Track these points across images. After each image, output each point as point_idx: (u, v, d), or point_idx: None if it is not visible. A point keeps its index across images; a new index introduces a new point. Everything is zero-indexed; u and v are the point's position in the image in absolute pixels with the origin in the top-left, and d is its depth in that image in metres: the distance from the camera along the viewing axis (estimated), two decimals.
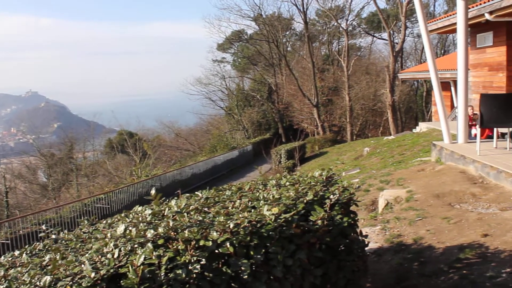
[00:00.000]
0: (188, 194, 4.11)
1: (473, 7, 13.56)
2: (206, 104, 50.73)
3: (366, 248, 5.58)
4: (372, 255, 5.45)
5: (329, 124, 41.34)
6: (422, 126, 19.04)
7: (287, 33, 49.94)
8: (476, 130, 8.92)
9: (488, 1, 12.84)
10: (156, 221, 3.02)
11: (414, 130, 20.54)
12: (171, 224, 2.75)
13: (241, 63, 52.26)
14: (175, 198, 3.77)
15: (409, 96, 43.76)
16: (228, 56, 53.56)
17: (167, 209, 3.22)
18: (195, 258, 2.48)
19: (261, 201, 3.22)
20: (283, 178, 4.12)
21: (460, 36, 9.52)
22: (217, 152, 34.91)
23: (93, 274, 2.23)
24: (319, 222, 3.02)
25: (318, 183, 3.54)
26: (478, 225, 5.57)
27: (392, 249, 5.53)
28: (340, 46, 47.93)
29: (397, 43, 39.38)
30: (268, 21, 44.92)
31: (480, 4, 13.42)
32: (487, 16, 12.66)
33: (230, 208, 3.24)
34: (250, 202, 3.29)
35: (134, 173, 27.99)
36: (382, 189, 8.32)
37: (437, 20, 17.11)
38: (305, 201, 3.13)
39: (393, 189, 8.07)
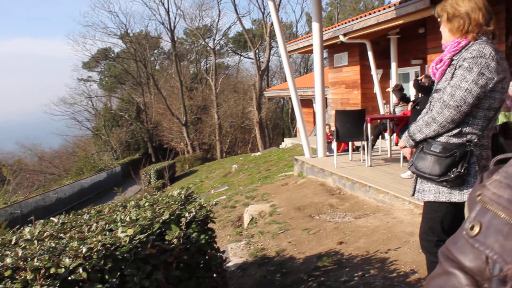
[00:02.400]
0: (43, 221, 3.92)
1: (329, 29, 14.49)
2: (72, 125, 48.67)
3: (230, 264, 5.68)
4: (237, 270, 5.54)
5: (198, 143, 41.53)
6: (287, 142, 19.80)
7: (155, 51, 49.60)
8: (334, 146, 9.47)
9: (342, 24, 13.80)
10: (5, 251, 2.85)
11: (280, 146, 21.29)
12: (20, 253, 2.60)
13: (108, 82, 50.85)
14: (29, 225, 3.58)
15: (276, 113, 45.31)
16: (94, 74, 51.94)
17: (17, 238, 3.04)
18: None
19: (118, 223, 3.17)
20: (143, 198, 4.08)
21: (316, 56, 10.09)
22: (84, 174, 33.56)
23: None
24: (175, 241, 3.03)
25: (176, 202, 3.56)
26: (335, 234, 5.90)
27: (256, 262, 5.66)
28: (208, 65, 48.55)
29: (263, 62, 40.74)
30: (135, 39, 44.35)
31: (336, 26, 14.38)
32: (342, 38, 13.61)
33: (86, 232, 3.14)
34: (107, 225, 3.22)
35: None
36: (248, 204, 8.51)
37: (298, 40, 18.03)
38: (161, 220, 3.13)
39: (258, 204, 8.29)
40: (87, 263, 2.59)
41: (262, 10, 40.22)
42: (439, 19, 2.78)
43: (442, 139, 2.70)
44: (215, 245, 3.53)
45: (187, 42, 49.67)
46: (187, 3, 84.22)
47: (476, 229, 0.50)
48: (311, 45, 10.68)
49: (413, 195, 2.90)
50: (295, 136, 29.76)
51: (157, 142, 44.29)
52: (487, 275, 0.48)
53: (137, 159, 38.20)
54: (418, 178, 2.83)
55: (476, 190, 0.53)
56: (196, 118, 42.71)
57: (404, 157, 8.71)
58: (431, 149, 2.71)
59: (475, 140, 2.63)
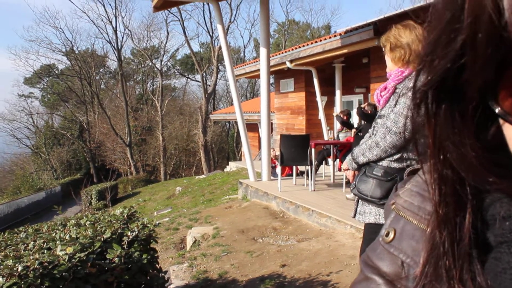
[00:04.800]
0: None
1: (277, 55, 14.72)
2: (10, 142, 46.96)
3: (172, 286, 5.59)
4: None
5: (142, 164, 40.94)
6: (232, 166, 19.81)
7: (101, 70, 48.84)
8: (278, 170, 9.56)
9: (289, 51, 14.05)
10: None
11: (225, 170, 21.26)
12: None
13: (50, 99, 49.52)
14: None
15: (221, 136, 45.35)
16: (36, 91, 50.44)
17: None
18: None
19: (57, 242, 3.08)
20: (84, 217, 3.99)
21: (263, 81, 10.23)
22: (21, 194, 32.35)
23: None
24: (116, 260, 2.96)
25: (118, 221, 3.49)
26: (278, 257, 5.93)
27: (198, 285, 5.60)
28: (154, 86, 48.20)
29: (209, 85, 40.84)
30: (81, 57, 43.55)
31: (283, 52, 14.63)
32: (288, 64, 13.84)
33: (22, 250, 3.03)
34: (45, 244, 3.12)
35: None
36: (191, 227, 8.43)
37: (245, 65, 18.19)
38: (102, 239, 3.06)
39: (202, 226, 8.23)
40: (22, 282, 2.50)
41: (211, 33, 40.47)
42: (383, 49, 2.89)
43: (384, 163, 2.79)
44: (157, 265, 3.48)
45: (134, 62, 49.24)
46: (136, 23, 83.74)
47: (391, 236, 0.53)
48: (258, 70, 10.83)
49: (354, 216, 2.96)
50: (240, 160, 29.85)
51: (99, 163, 43.30)
52: (403, 278, 0.50)
53: (78, 179, 37.17)
54: (360, 200, 2.89)
55: (391, 199, 0.56)
56: (140, 139, 42.15)
57: (347, 182, 8.88)
58: (373, 172, 2.79)
59: (415, 166, 2.72)
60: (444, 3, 0.32)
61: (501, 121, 0.33)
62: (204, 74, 42.01)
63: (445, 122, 0.37)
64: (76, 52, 43.57)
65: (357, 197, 2.91)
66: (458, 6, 0.30)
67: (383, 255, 0.54)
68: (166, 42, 46.71)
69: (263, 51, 10.13)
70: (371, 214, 2.82)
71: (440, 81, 0.34)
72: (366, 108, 8.70)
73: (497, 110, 0.31)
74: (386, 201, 0.59)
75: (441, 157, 0.38)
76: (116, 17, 50.26)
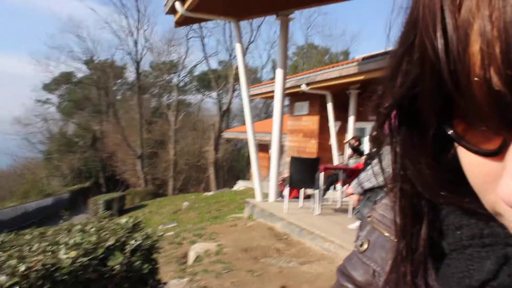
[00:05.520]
0: None
1: (293, 77, 14.83)
2: (24, 146, 47.38)
3: None
4: None
5: (152, 177, 41.05)
6: (240, 185, 19.85)
7: (119, 81, 49.31)
8: (286, 191, 9.57)
9: (306, 74, 14.15)
10: None
11: (233, 188, 21.29)
12: None
13: (67, 106, 49.97)
14: None
15: (233, 155, 45.39)
16: (53, 97, 50.91)
17: None
18: None
19: (61, 245, 3.12)
20: (89, 223, 4.04)
21: (277, 102, 10.30)
22: (30, 198, 32.53)
23: None
24: (118, 267, 3.01)
25: (123, 229, 3.54)
26: (279, 278, 5.93)
27: None
28: (170, 100, 48.53)
29: (225, 103, 41.07)
30: (100, 66, 44.06)
31: (299, 75, 14.73)
32: (304, 87, 13.92)
33: (27, 252, 3.08)
34: (50, 246, 3.17)
35: None
36: (195, 242, 8.45)
37: (261, 85, 18.33)
38: (105, 246, 3.11)
39: (205, 242, 8.25)
40: (24, 282, 2.54)
41: (230, 52, 40.85)
42: None
43: None
44: (157, 276, 3.51)
45: (152, 75, 49.70)
46: (157, 37, 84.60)
47: (365, 246, 0.57)
48: (274, 91, 10.92)
49: (357, 241, 2.98)
50: (249, 179, 29.86)
51: (109, 173, 43.49)
52: (373, 286, 0.55)
53: (87, 187, 37.31)
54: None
55: (368, 212, 0.61)
56: (152, 152, 42.34)
57: (353, 209, 8.87)
58: (378, 198, 2.83)
59: None
60: (401, 38, 0.36)
61: (455, 144, 0.37)
62: (220, 91, 42.30)
63: (404, 142, 0.41)
64: (96, 61, 44.10)
65: (360, 222, 2.94)
66: (410, 43, 0.34)
67: (357, 264, 0.58)
68: (185, 58, 47.04)
69: (279, 72, 10.23)
70: None
71: (399, 106, 0.39)
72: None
73: (450, 133, 0.35)
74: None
75: (401, 173, 0.43)
76: (138, 29, 50.92)
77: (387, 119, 0.42)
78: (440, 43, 0.30)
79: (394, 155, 0.43)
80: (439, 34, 0.30)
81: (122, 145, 40.95)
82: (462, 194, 0.39)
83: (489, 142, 0.32)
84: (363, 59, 10.80)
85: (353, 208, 8.65)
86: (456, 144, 0.37)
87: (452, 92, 0.31)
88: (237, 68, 35.09)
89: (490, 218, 0.37)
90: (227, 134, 29.60)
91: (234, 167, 46.44)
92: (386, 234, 0.55)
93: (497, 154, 0.32)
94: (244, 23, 10.80)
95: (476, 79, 0.29)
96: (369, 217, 0.60)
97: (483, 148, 0.33)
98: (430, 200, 0.43)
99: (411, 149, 0.41)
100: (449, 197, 0.40)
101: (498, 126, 0.30)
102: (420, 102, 0.36)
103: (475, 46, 0.28)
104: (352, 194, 3.03)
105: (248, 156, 41.31)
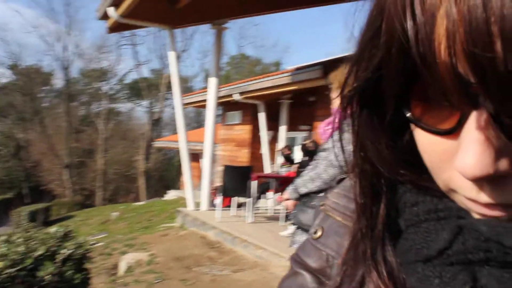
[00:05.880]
0: None
1: (225, 86, 14.88)
2: None
3: None
4: None
5: (79, 187, 39.82)
6: (172, 194, 19.67)
7: (46, 88, 47.62)
8: (218, 200, 9.57)
9: (239, 83, 14.25)
10: None
11: (164, 198, 21.02)
12: None
13: None
14: None
15: (163, 164, 44.84)
16: None
17: None
18: None
19: None
20: (15, 234, 3.88)
21: (210, 111, 10.31)
22: None
23: None
24: (48, 277, 2.91)
25: (53, 239, 3.43)
26: (211, 286, 5.92)
27: None
28: (100, 109, 47.35)
29: (156, 112, 40.59)
30: (26, 72, 42.40)
31: (232, 85, 14.81)
32: (237, 97, 14.00)
33: None
34: None
35: None
36: (125, 253, 8.28)
37: (194, 94, 18.27)
38: (34, 256, 3.00)
39: (136, 252, 8.10)
40: None
41: (162, 60, 40.46)
42: (330, 86, 3.02)
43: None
44: (89, 286, 3.43)
45: (81, 83, 48.34)
46: (86, 43, 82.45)
47: (319, 233, 0.60)
48: (206, 100, 10.92)
49: (292, 246, 3.03)
50: (180, 189, 29.61)
51: (34, 183, 41.79)
52: (328, 272, 0.58)
53: (8, 198, 35.67)
54: (298, 230, 2.98)
55: (321, 201, 0.64)
56: (80, 161, 41.09)
57: (285, 216, 9.00)
58: (313, 203, 2.89)
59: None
60: (367, 24, 0.40)
61: (412, 126, 0.41)
62: (152, 100, 41.80)
63: (365, 124, 0.45)
64: (21, 66, 42.45)
65: (295, 227, 2.99)
66: (376, 27, 0.38)
67: (310, 251, 0.61)
68: (115, 65, 46.22)
69: (212, 81, 10.25)
70: None
71: (363, 89, 0.42)
72: (309, 144, 8.91)
73: (408, 115, 0.39)
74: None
75: (362, 154, 0.46)
76: (67, 35, 49.48)
77: (350, 102, 0.45)
78: (409, 25, 0.33)
79: (355, 137, 0.47)
80: (408, 17, 0.33)
81: (48, 154, 39.50)
82: (418, 173, 0.43)
83: (445, 122, 0.36)
84: (296, 69, 11.02)
85: (287, 215, 8.78)
86: (412, 126, 0.41)
87: (420, 69, 0.34)
88: (169, 76, 34.83)
89: (443, 195, 0.41)
90: (158, 143, 29.28)
91: (164, 176, 45.85)
92: (340, 219, 0.58)
93: (452, 132, 0.36)
94: (177, 32, 10.82)
95: (442, 57, 0.32)
96: (322, 205, 0.63)
97: (439, 128, 0.37)
98: (388, 180, 0.46)
99: (371, 131, 0.45)
100: (407, 175, 0.44)
101: (460, 101, 0.33)
102: (384, 85, 0.40)
103: (441, 28, 0.32)
104: (288, 199, 3.08)
105: (179, 166, 40.94)
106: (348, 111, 0.46)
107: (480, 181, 0.35)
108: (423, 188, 0.44)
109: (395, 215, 0.46)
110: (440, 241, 0.39)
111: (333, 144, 2.90)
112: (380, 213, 0.46)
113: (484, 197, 0.36)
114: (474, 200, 0.37)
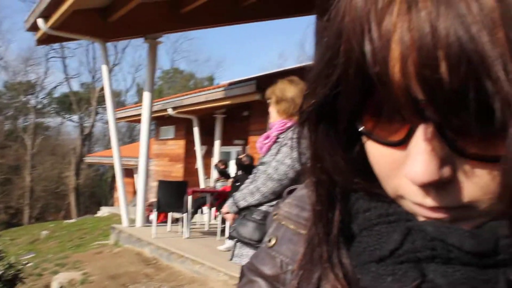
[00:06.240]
0: None
1: (159, 101, 14.76)
2: None
3: None
4: None
5: (5, 206, 38.07)
6: (104, 211, 19.20)
7: None
8: (153, 216, 9.45)
9: (173, 98, 14.17)
10: None
11: (96, 215, 20.49)
12: None
13: None
14: None
15: (95, 180, 43.69)
16: None
17: None
18: None
19: None
20: None
21: (144, 126, 10.19)
22: None
23: None
24: None
25: None
26: None
27: None
28: (27, 123, 45.60)
29: (86, 127, 39.58)
30: None
31: (166, 99, 14.71)
32: (171, 111, 13.91)
33: None
34: None
35: None
36: (57, 272, 8.01)
37: (127, 108, 18.01)
38: None
39: (69, 272, 7.86)
40: None
41: (93, 74, 39.61)
42: (268, 101, 3.08)
43: (263, 208, 2.94)
44: None
45: (6, 96, 46.42)
46: (12, 55, 79.45)
47: (273, 241, 0.64)
48: (140, 114, 10.79)
49: (232, 259, 3.05)
50: (113, 205, 28.94)
51: None
52: (283, 279, 0.61)
53: None
54: (238, 243, 3.00)
55: (273, 211, 0.68)
56: (5, 178, 39.34)
57: (222, 231, 9.00)
58: (253, 216, 2.93)
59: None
60: (326, 45, 0.44)
61: (364, 138, 0.45)
62: (82, 115, 40.77)
63: (322, 137, 0.49)
64: None
65: (235, 240, 3.01)
66: (335, 48, 0.42)
67: (265, 259, 0.64)
68: (44, 78, 44.67)
69: (146, 95, 10.15)
70: (249, 256, 2.92)
71: (321, 104, 0.46)
72: (244, 159, 8.98)
73: (360, 129, 0.44)
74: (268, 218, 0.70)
75: (318, 165, 0.50)
76: None
77: (309, 117, 0.49)
78: (368, 49, 0.38)
79: (312, 149, 0.50)
80: (367, 42, 0.38)
81: None
82: (370, 181, 0.48)
83: (395, 134, 0.41)
84: (229, 84, 11.10)
85: (223, 230, 8.78)
86: (364, 138, 0.46)
87: (376, 87, 0.39)
88: (100, 90, 34.18)
89: (392, 201, 0.46)
90: (89, 159, 28.55)
91: (96, 192, 44.65)
92: (294, 228, 0.61)
93: (401, 144, 0.40)
94: (109, 45, 10.66)
95: (396, 78, 0.37)
96: (275, 215, 0.66)
97: (390, 140, 0.41)
98: (342, 188, 0.50)
99: (327, 144, 0.49)
100: (360, 183, 0.49)
101: (411, 114, 0.38)
102: (340, 101, 0.44)
103: (396, 52, 0.36)
104: (228, 213, 3.10)
105: (112, 181, 40.14)
106: (306, 126, 0.50)
107: (427, 187, 0.39)
108: (375, 195, 0.48)
109: (348, 220, 0.50)
110: (391, 242, 0.43)
111: (272, 157, 2.95)
112: (336, 219, 0.50)
113: (429, 201, 0.40)
114: (421, 204, 0.41)
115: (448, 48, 0.33)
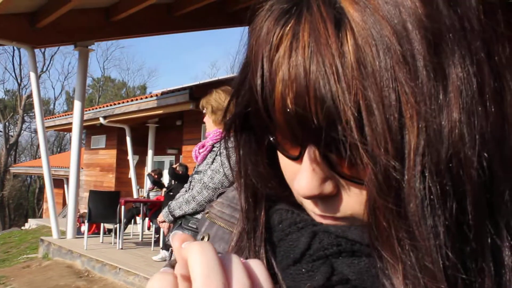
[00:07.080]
0: None
1: (90, 109, 14.43)
2: None
3: None
4: None
5: None
6: (32, 223, 18.49)
7: None
8: (85, 227, 9.23)
9: (104, 107, 13.91)
10: None
11: (23, 227, 19.71)
12: None
13: None
14: None
15: (21, 192, 41.99)
16: None
17: None
18: None
19: None
20: None
21: (75, 135, 9.96)
22: None
23: None
24: None
25: None
26: None
27: None
28: None
29: (12, 136, 38.04)
30: None
31: (97, 108, 14.41)
32: (102, 120, 13.63)
33: None
34: None
35: None
36: None
37: (56, 117, 17.47)
38: None
39: None
40: None
41: (19, 81, 38.17)
42: (204, 111, 3.12)
43: (199, 216, 2.96)
44: None
45: None
46: None
47: (205, 239, 0.69)
48: (70, 123, 10.54)
49: None
50: (41, 217, 27.92)
51: None
52: None
53: None
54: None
55: (206, 210, 0.73)
56: None
57: (156, 241, 8.91)
58: (189, 225, 2.95)
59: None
60: (241, 69, 0.51)
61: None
62: (7, 123, 39.14)
63: (244, 145, 0.55)
64: None
65: (171, 249, 3.02)
66: (245, 76, 0.49)
67: None
68: None
69: (77, 104, 9.92)
70: None
71: (241, 115, 0.53)
72: (177, 168, 8.95)
73: (271, 139, 0.50)
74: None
75: (243, 169, 0.56)
76: None
77: (232, 127, 0.55)
78: (258, 83, 0.44)
79: (238, 155, 0.56)
80: (258, 76, 0.44)
81: None
82: (285, 187, 0.54)
83: (294, 150, 0.47)
84: (162, 93, 11.03)
85: (156, 240, 8.69)
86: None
87: (264, 118, 0.46)
88: (27, 98, 33.01)
89: (302, 210, 0.52)
90: (15, 169, 27.46)
91: (22, 205, 42.92)
92: (225, 227, 0.66)
93: (297, 159, 0.47)
94: (36, 51, 10.30)
95: (278, 112, 0.43)
96: (206, 213, 0.71)
97: (290, 154, 0.48)
98: (264, 191, 0.57)
99: (250, 151, 0.55)
100: (276, 187, 0.55)
101: (294, 141, 0.46)
102: (251, 118, 0.50)
103: (279, 88, 0.43)
104: (163, 222, 3.11)
105: (39, 193, 38.75)
106: (230, 135, 0.57)
107: (313, 198, 0.47)
108: (287, 207, 0.54)
109: (270, 233, 0.55)
110: (301, 245, 0.50)
111: (208, 166, 2.99)
112: (261, 216, 0.56)
113: (317, 210, 0.48)
114: (312, 211, 0.49)
115: (317, 89, 0.40)
